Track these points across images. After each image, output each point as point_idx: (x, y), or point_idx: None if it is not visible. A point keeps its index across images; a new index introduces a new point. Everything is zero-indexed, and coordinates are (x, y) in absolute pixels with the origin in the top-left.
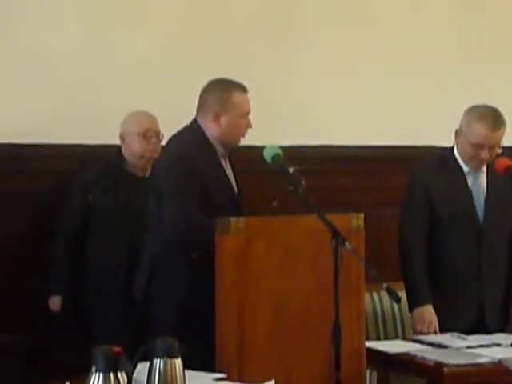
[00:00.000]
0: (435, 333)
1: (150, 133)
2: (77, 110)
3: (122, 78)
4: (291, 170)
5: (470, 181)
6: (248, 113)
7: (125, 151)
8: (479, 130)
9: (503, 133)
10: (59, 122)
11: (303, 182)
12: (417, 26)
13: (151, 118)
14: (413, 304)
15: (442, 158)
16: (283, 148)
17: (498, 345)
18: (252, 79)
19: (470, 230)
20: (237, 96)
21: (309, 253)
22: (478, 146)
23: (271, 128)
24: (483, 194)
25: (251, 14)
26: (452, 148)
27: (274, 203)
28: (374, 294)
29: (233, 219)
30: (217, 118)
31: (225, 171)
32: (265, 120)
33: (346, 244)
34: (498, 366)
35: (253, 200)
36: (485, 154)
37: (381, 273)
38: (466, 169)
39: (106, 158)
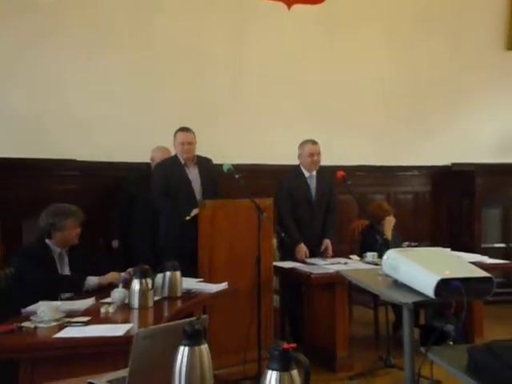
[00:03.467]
0: (306, 257)
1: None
2: (127, 142)
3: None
4: (237, 176)
5: (308, 180)
6: (181, 143)
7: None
8: (308, 147)
9: (319, 147)
10: (117, 149)
11: (242, 182)
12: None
13: (167, 150)
14: (294, 244)
15: (295, 169)
16: (234, 164)
17: (339, 263)
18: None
19: (308, 206)
20: (178, 133)
21: (246, 218)
22: (311, 155)
23: (230, 152)
24: (314, 187)
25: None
26: (299, 164)
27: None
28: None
29: (207, 201)
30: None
31: (186, 174)
32: (226, 148)
33: (264, 214)
34: (337, 274)
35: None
36: (315, 158)
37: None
38: (307, 174)
39: (140, 169)
